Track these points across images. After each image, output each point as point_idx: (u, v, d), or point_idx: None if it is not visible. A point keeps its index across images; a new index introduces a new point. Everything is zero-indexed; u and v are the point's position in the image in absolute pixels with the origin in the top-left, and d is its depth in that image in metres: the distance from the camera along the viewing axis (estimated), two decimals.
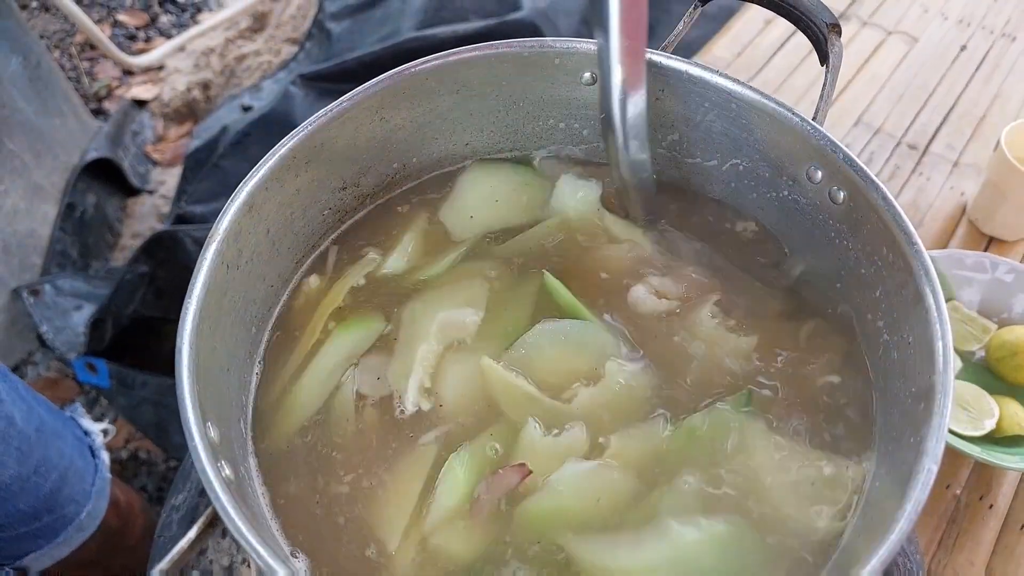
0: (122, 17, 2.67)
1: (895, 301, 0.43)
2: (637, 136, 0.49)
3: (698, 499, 0.44)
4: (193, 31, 2.48)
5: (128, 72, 2.52)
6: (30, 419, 0.77)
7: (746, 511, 0.43)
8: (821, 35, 0.49)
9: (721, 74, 0.50)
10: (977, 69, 1.21)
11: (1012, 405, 0.84)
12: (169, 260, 1.43)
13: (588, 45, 0.53)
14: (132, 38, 2.59)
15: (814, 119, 0.48)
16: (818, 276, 0.53)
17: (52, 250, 1.78)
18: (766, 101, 0.49)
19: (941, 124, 1.14)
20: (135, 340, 1.52)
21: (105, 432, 0.90)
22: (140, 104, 2.37)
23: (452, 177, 0.61)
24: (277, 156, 0.48)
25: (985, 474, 0.85)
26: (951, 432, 0.81)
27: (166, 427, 1.49)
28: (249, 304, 0.49)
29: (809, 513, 0.43)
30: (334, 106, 0.51)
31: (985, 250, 1.01)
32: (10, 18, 1.64)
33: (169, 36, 2.58)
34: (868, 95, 1.18)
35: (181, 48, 2.49)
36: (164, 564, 0.38)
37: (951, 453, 0.84)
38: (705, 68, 0.51)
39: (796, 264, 0.54)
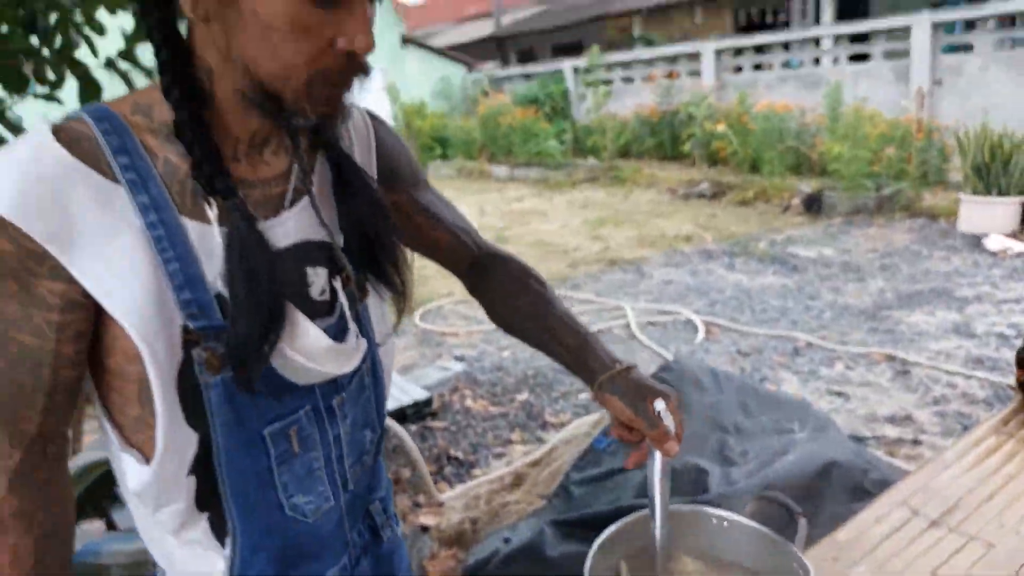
0: None
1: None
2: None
3: None
4: (470, 484, 3.45)
5: (416, 504, 3.47)
6: None
7: None
8: (792, 514, 1.15)
9: (751, 524, 1.17)
10: None
11: None
12: None
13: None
14: None
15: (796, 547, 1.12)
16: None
17: None
18: (773, 535, 1.15)
19: None
20: None
21: None
22: (424, 529, 3.25)
23: None
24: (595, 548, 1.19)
25: None
26: None
27: None
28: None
29: None
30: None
31: None
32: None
33: (450, 483, 3.58)
34: None
35: (458, 494, 3.43)
36: None
37: None
38: (745, 520, 1.19)
39: None
